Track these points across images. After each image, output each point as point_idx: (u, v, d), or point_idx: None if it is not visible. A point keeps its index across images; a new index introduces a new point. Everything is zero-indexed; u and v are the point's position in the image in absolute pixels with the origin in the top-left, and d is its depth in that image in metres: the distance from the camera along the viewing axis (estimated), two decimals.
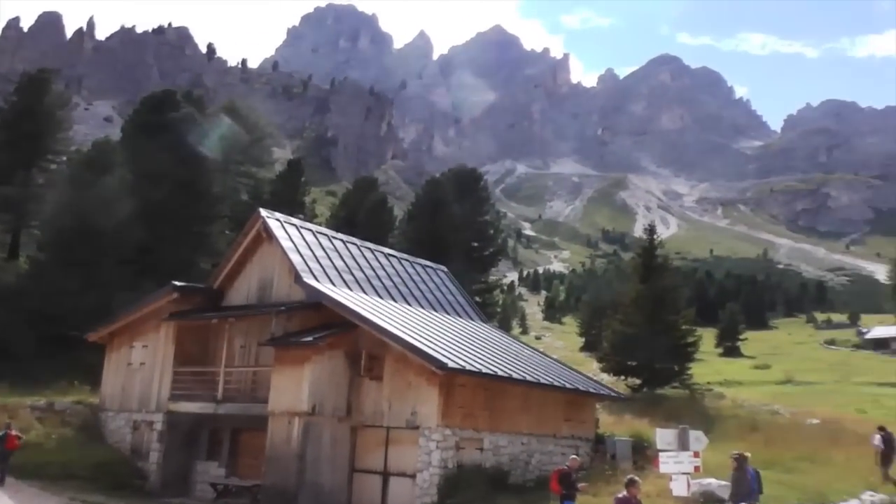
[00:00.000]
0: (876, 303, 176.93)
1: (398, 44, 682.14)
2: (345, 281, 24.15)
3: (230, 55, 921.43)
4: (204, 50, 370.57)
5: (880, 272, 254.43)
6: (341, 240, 27.25)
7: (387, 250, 30.28)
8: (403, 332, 20.85)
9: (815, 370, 74.20)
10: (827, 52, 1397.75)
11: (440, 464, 19.57)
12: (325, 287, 22.35)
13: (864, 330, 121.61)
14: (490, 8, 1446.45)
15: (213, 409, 22.81)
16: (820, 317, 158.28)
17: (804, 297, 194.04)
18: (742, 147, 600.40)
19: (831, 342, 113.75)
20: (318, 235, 26.04)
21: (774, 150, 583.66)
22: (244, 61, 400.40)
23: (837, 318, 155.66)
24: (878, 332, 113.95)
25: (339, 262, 25.00)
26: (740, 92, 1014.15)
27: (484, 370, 20.81)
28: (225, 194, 52.21)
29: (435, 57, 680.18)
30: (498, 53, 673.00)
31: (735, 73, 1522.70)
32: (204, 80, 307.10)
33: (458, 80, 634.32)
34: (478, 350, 23.06)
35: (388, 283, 26.46)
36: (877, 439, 23.02)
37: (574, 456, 17.49)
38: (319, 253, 24.54)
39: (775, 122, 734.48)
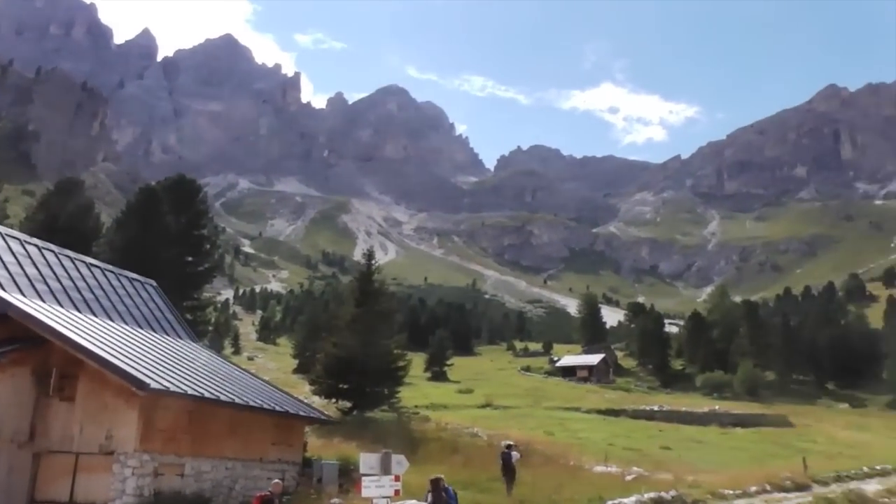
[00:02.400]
0: (567, 333, 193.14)
1: (119, 39, 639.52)
2: (37, 291, 21.76)
3: None
4: None
5: (572, 306, 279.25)
6: (36, 245, 24.51)
7: (90, 260, 27.79)
8: (101, 348, 19.18)
9: (512, 395, 79.38)
10: (538, 100, 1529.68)
11: (135, 492, 18.22)
12: (12, 297, 20.00)
13: (556, 358, 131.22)
14: (221, 15, 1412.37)
15: None
16: (519, 345, 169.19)
17: (506, 326, 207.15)
18: (459, 182, 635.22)
19: (527, 369, 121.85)
20: (8, 238, 23.25)
21: (487, 187, 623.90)
22: None
23: (534, 346, 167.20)
24: (567, 360, 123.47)
25: (31, 270, 22.47)
26: (460, 129, 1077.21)
27: (189, 391, 19.73)
28: None
29: (159, 58, 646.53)
30: (227, 63, 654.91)
31: (457, 111, 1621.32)
32: None
33: (182, 85, 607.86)
34: (184, 370, 21.85)
35: (88, 295, 24.23)
36: (514, 456, 23.85)
37: (277, 480, 17.12)
38: (8, 258, 21.89)
39: (490, 161, 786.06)
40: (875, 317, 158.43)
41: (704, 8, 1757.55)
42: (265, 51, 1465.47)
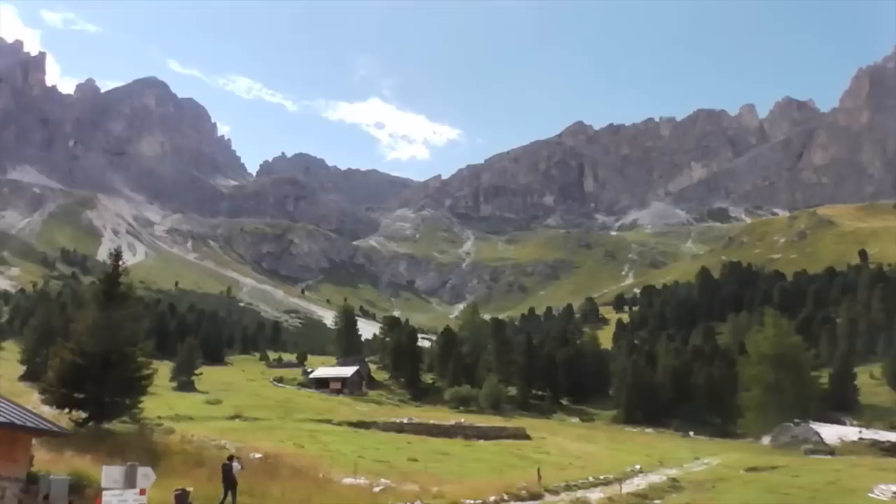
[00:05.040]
0: (322, 345, 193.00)
1: None
2: None
3: None
4: None
5: (329, 317, 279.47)
6: None
7: None
8: None
9: (263, 406, 77.76)
10: (305, 108, 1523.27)
11: None
12: None
13: (310, 370, 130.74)
14: None
15: None
16: (273, 355, 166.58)
17: (261, 336, 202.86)
18: (218, 184, 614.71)
19: (280, 380, 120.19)
20: None
21: (248, 192, 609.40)
22: None
23: (288, 357, 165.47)
24: (320, 372, 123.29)
25: None
26: (223, 130, 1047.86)
27: None
28: None
29: None
30: None
31: (220, 111, 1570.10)
32: None
33: None
34: None
35: None
36: (235, 467, 23.77)
37: None
38: None
39: (252, 166, 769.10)
40: (606, 338, 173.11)
41: (472, 37, 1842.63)
42: (4, 24, 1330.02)
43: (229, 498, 22.95)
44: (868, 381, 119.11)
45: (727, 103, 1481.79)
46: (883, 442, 68.90)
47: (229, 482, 22.99)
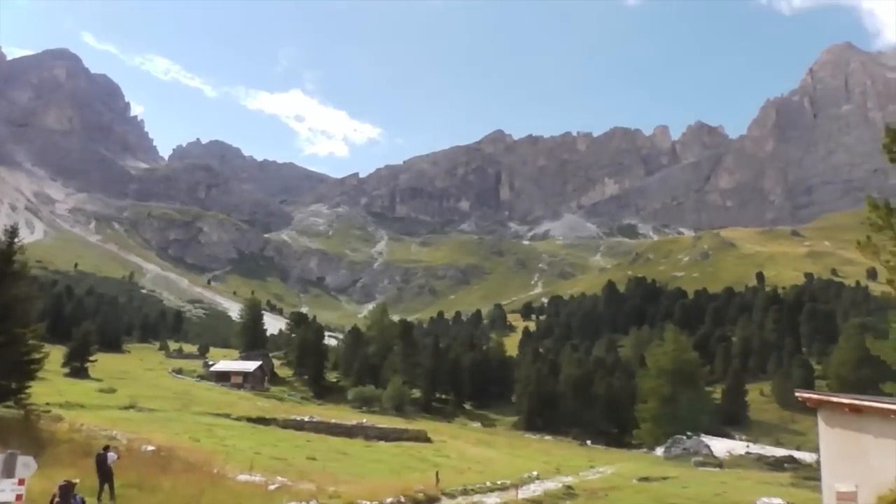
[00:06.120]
0: (226, 337, 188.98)
1: None
2: None
3: None
4: None
5: (234, 309, 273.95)
6: None
7: None
8: None
9: (159, 397, 75.53)
10: (225, 95, 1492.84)
11: None
12: None
13: (211, 362, 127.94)
14: None
15: None
16: (173, 345, 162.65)
17: (162, 325, 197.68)
18: (128, 165, 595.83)
19: (179, 371, 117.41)
20: None
21: (159, 175, 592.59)
22: None
23: (189, 348, 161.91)
24: (222, 365, 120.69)
25: None
26: (136, 110, 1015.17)
27: None
28: None
29: None
30: None
31: (135, 91, 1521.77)
32: None
33: None
34: None
35: None
36: (110, 457, 22.87)
37: None
38: None
39: (165, 149, 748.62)
40: (512, 345, 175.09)
41: (399, 37, 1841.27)
42: None
43: (107, 491, 22.08)
44: (758, 397, 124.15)
45: (643, 123, 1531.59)
46: (768, 457, 71.84)
47: (104, 473, 22.11)
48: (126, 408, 62.58)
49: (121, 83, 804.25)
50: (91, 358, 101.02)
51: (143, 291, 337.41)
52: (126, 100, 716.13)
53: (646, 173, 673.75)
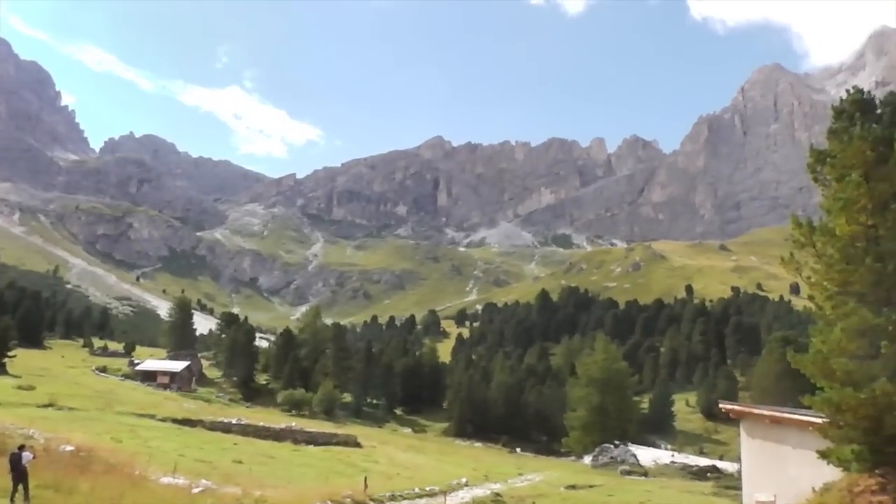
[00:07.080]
0: (154, 336, 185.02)
1: None
2: None
3: None
4: None
5: (163, 308, 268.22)
6: None
7: None
8: None
9: (81, 396, 73.39)
10: (161, 89, 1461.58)
11: None
12: None
13: (137, 361, 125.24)
14: None
15: None
16: (98, 343, 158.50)
17: (87, 321, 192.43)
18: (56, 156, 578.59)
19: (103, 369, 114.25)
20: None
21: (88, 168, 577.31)
22: None
23: (115, 346, 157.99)
24: (149, 364, 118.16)
25: None
26: (67, 100, 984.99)
27: None
28: None
29: None
30: None
31: (66, 80, 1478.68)
32: None
33: None
34: None
35: None
36: (25, 457, 22.04)
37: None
38: None
39: (96, 142, 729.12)
40: (445, 351, 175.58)
41: (341, 38, 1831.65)
42: None
43: (21, 492, 21.32)
44: (684, 408, 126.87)
45: (579, 135, 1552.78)
46: (692, 466, 73.29)
47: (18, 473, 21.33)
48: (45, 406, 60.63)
49: (52, 71, 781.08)
50: (10, 354, 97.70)
51: (69, 286, 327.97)
52: (57, 89, 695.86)
53: (581, 184, 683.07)
